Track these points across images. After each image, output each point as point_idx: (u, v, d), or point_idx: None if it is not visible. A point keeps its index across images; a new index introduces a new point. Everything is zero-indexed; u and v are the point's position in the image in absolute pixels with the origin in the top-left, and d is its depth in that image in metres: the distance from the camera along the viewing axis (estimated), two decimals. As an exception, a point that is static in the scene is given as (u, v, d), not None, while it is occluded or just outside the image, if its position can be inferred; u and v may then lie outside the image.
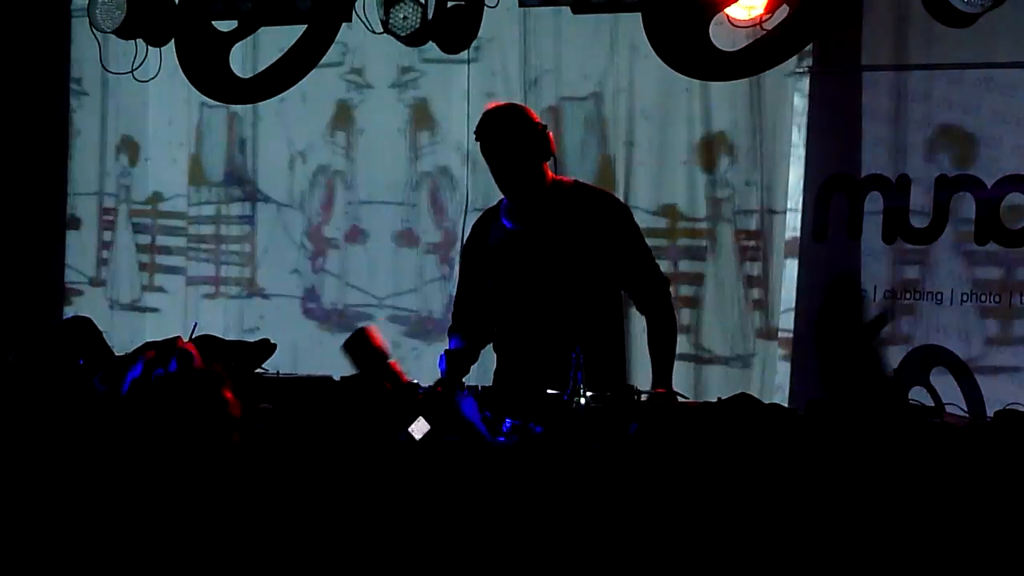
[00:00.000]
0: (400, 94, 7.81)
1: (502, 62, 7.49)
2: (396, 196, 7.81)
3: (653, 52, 6.30)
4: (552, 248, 5.51)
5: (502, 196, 5.65)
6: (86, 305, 8.36)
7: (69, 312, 8.35)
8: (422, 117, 7.78)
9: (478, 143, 5.56)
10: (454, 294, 6.03)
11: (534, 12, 7.18)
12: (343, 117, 7.94)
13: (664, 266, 6.14)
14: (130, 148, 8.43)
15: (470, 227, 5.89)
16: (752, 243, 7.03)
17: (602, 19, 7.06)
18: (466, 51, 6.91)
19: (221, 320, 8.02)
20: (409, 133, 7.79)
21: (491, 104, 5.69)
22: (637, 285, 5.62)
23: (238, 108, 8.03)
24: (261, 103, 7.67)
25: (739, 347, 7.06)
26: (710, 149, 7.11)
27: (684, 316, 7.00)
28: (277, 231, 8.11)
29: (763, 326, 7.00)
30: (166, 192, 8.39)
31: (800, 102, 6.75)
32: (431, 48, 6.76)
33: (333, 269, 7.96)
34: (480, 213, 5.95)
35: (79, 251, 8.59)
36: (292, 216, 8.06)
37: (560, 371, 4.89)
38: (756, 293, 7.05)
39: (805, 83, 6.74)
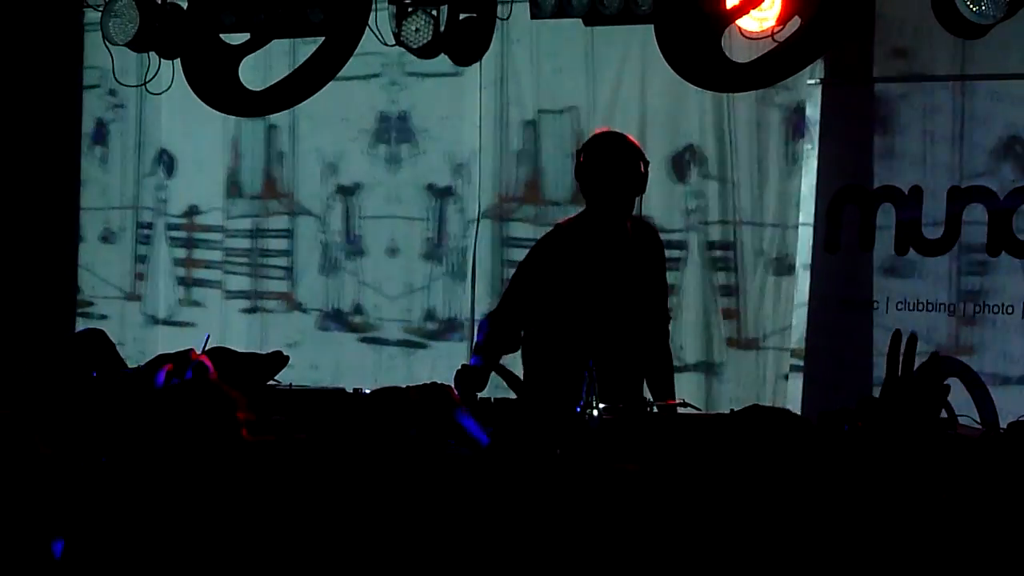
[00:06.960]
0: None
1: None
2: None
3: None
4: (631, 272, 5.69)
5: (560, 219, 5.87)
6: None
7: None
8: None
9: (596, 160, 5.60)
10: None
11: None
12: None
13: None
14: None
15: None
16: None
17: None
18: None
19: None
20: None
21: (603, 129, 5.91)
22: (650, 317, 5.78)
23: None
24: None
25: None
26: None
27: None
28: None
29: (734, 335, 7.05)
30: (202, 205, 8.30)
31: (812, 113, 6.76)
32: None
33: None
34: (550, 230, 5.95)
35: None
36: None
37: (616, 387, 5.16)
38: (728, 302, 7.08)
39: (817, 94, 6.74)
